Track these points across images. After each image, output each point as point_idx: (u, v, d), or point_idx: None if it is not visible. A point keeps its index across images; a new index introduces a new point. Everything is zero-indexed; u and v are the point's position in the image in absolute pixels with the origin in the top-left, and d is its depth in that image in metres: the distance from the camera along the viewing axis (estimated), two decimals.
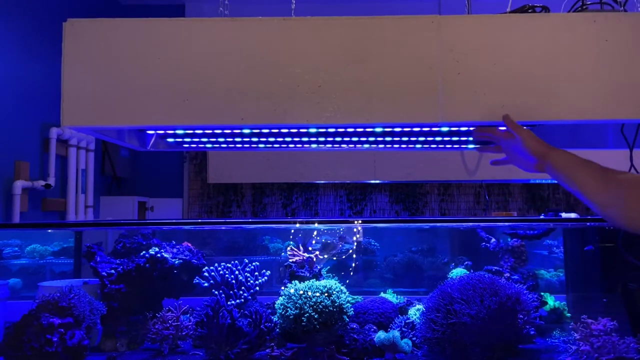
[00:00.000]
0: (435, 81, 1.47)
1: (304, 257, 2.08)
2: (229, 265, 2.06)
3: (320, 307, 1.76)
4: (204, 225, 2.62)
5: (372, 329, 1.87)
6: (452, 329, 1.69)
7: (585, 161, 1.21)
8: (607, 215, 1.12)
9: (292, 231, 2.37)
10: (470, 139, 1.94)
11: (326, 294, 1.79)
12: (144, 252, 2.05)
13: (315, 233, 2.20)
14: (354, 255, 2.34)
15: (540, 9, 1.54)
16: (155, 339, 1.88)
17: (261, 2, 3.57)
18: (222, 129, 1.67)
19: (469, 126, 1.69)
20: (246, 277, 2.04)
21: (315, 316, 1.75)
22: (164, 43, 1.50)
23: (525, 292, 1.82)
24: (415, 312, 1.99)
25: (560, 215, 2.21)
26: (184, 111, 1.49)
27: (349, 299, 1.86)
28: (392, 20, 1.49)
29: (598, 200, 1.13)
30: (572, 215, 2.21)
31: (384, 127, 1.71)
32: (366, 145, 2.02)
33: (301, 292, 1.81)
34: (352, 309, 1.86)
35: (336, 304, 1.78)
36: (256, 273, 2.06)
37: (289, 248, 2.15)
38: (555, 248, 2.56)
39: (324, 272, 2.09)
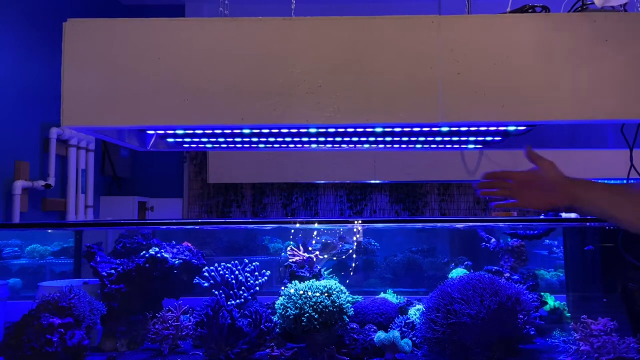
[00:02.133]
0: (435, 81, 1.47)
1: (304, 257, 2.08)
2: (229, 265, 2.06)
3: (320, 307, 1.76)
4: (204, 225, 2.62)
5: (372, 329, 1.87)
6: (452, 329, 1.68)
7: (617, 188, 1.16)
8: None
9: (292, 231, 2.37)
10: (471, 138, 1.94)
11: (326, 294, 1.79)
12: (144, 252, 2.05)
13: (315, 233, 2.20)
14: (354, 255, 2.34)
15: (540, 9, 1.54)
16: (155, 339, 1.88)
17: (261, 2, 3.56)
18: (222, 129, 1.67)
19: (469, 126, 1.69)
20: (246, 277, 2.04)
21: (315, 316, 1.74)
22: (164, 43, 1.50)
23: (525, 292, 1.82)
24: (415, 312, 1.99)
25: (560, 215, 2.20)
26: (184, 111, 1.49)
27: (349, 299, 1.86)
28: (392, 20, 1.49)
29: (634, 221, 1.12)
30: (572, 215, 2.21)
31: (384, 127, 1.71)
32: (366, 145, 2.03)
33: (301, 292, 1.81)
34: (352, 309, 1.85)
35: (336, 304, 1.78)
36: (256, 273, 2.05)
37: (289, 248, 2.15)
38: (555, 248, 2.56)
39: (324, 272, 2.09)
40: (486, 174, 1.28)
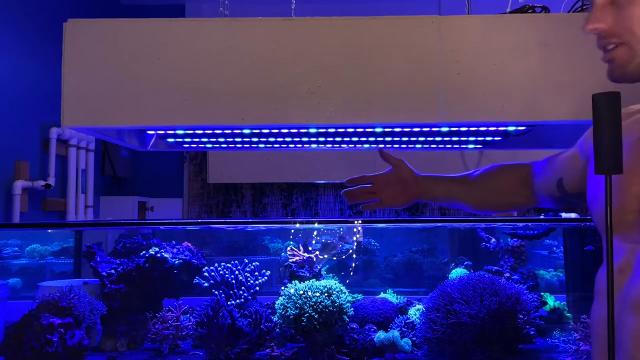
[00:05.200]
0: (435, 81, 1.47)
1: (304, 257, 2.08)
2: (229, 265, 2.06)
3: (320, 307, 1.76)
4: (204, 225, 2.62)
5: (372, 329, 1.87)
6: (452, 329, 1.69)
7: (458, 179, 1.33)
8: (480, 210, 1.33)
9: (292, 231, 2.37)
10: (471, 138, 1.94)
11: (326, 294, 1.80)
12: (144, 252, 2.05)
13: (315, 233, 2.20)
14: (354, 255, 2.34)
15: (540, 9, 1.54)
16: (155, 339, 1.88)
17: (261, 2, 3.57)
18: (222, 129, 1.67)
19: (469, 126, 1.69)
20: (246, 277, 2.04)
21: (315, 316, 1.75)
22: (164, 43, 1.50)
23: (525, 292, 1.82)
24: (415, 312, 1.99)
25: (560, 215, 2.20)
26: (184, 111, 1.49)
27: (349, 298, 1.86)
28: (392, 20, 1.49)
29: (475, 205, 1.31)
30: (572, 215, 2.21)
31: (384, 127, 1.71)
32: (366, 145, 2.03)
33: (301, 292, 1.81)
34: (352, 309, 1.86)
35: (336, 304, 1.78)
36: (256, 273, 2.06)
37: (289, 248, 2.15)
38: (555, 248, 2.56)
39: (324, 272, 2.09)
40: (347, 181, 1.39)
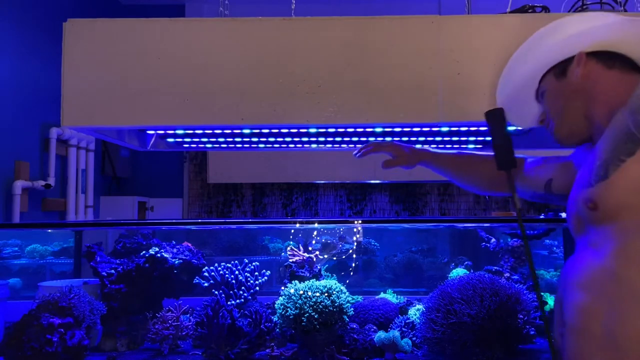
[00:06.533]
0: (435, 81, 1.47)
1: (304, 257, 2.08)
2: (229, 265, 2.06)
3: (320, 307, 1.76)
4: (204, 225, 2.62)
5: (372, 329, 1.87)
6: (452, 329, 1.68)
7: (454, 156, 1.39)
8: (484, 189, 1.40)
9: (292, 231, 2.37)
10: (471, 138, 1.94)
11: (326, 294, 1.79)
12: (144, 252, 2.05)
13: (315, 233, 2.20)
14: (354, 255, 2.34)
15: (540, 9, 1.54)
16: (155, 339, 1.88)
17: (261, 2, 3.57)
18: (222, 129, 1.67)
19: (469, 126, 1.69)
20: (246, 277, 2.04)
21: (315, 316, 1.74)
22: (164, 43, 1.50)
23: (525, 292, 1.82)
24: (415, 312, 1.99)
25: (560, 215, 2.20)
26: (184, 111, 1.49)
27: (349, 299, 1.86)
28: (392, 21, 1.49)
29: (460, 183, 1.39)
30: None
31: (384, 127, 1.71)
32: None
33: (301, 292, 1.81)
34: (352, 309, 1.85)
35: (336, 304, 1.78)
36: (256, 273, 2.06)
37: (289, 248, 2.14)
38: (555, 248, 2.56)
39: (323, 272, 2.09)
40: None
